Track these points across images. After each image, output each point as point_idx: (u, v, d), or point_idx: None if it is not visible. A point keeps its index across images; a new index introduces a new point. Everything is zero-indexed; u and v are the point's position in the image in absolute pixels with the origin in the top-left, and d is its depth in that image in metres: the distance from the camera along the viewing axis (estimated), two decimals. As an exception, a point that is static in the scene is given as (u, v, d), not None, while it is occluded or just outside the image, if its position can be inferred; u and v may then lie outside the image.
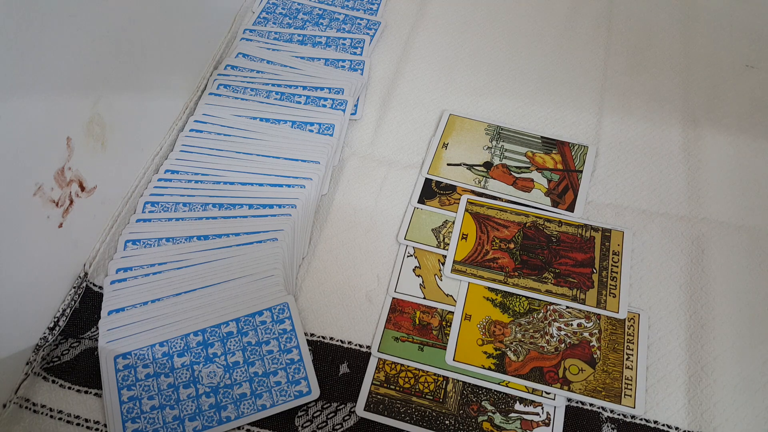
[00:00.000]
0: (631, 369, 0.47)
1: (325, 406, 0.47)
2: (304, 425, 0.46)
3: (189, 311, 0.49)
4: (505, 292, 0.51)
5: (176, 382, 0.47)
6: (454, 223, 0.55)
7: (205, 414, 0.45)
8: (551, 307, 0.50)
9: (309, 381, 0.47)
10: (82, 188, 0.50)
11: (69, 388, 0.47)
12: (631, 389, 0.47)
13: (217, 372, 0.47)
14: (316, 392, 0.46)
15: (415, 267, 0.53)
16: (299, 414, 0.46)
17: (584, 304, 0.50)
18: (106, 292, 0.51)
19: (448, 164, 0.59)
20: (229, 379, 0.47)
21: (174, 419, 0.45)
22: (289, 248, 0.53)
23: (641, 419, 0.46)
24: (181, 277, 0.51)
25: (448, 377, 0.48)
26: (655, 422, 0.46)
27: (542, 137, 0.61)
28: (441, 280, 0.52)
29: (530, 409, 0.46)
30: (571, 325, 0.50)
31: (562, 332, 0.49)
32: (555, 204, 0.56)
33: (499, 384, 0.47)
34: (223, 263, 0.52)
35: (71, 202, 0.49)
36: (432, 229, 0.55)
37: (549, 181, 0.58)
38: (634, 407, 0.46)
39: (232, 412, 0.45)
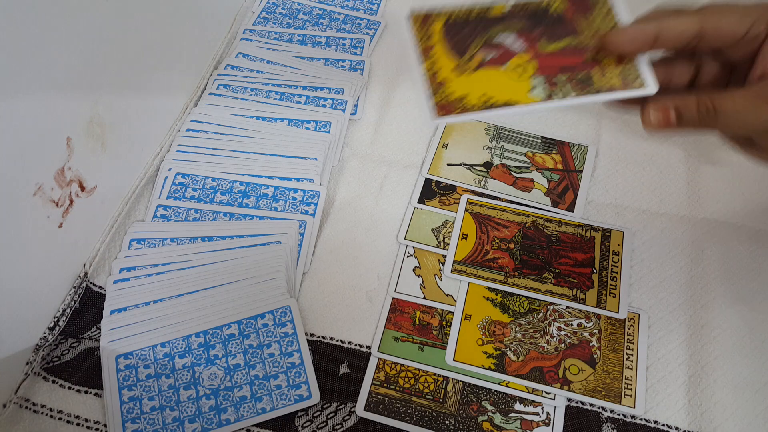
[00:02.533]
0: (631, 369, 0.47)
1: (325, 406, 0.47)
2: (304, 425, 0.46)
3: (191, 312, 0.49)
4: (505, 292, 0.51)
5: (177, 383, 0.47)
6: (454, 223, 0.55)
7: (205, 416, 0.45)
8: (551, 307, 0.51)
9: (309, 385, 0.47)
10: (82, 188, 0.50)
11: (69, 388, 0.47)
12: (631, 389, 0.47)
13: (218, 374, 0.47)
14: (316, 397, 0.46)
15: (415, 267, 0.53)
16: (299, 414, 0.46)
17: (584, 304, 0.50)
18: (108, 291, 0.51)
19: (448, 164, 0.59)
20: (230, 382, 0.47)
21: (174, 420, 0.45)
22: (292, 252, 0.53)
23: (641, 419, 0.46)
24: (184, 278, 0.51)
25: (448, 377, 0.48)
26: (655, 422, 0.46)
27: (542, 137, 0.61)
28: (441, 280, 0.52)
29: (530, 409, 0.46)
30: (571, 325, 0.50)
31: (562, 332, 0.49)
32: (555, 204, 0.56)
33: (499, 384, 0.47)
34: (226, 265, 0.52)
35: (71, 202, 0.49)
36: (432, 229, 0.55)
37: (549, 181, 0.58)
38: (634, 407, 0.46)
39: (231, 414, 0.45)
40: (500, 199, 0.57)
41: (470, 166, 0.59)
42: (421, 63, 0.40)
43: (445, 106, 0.38)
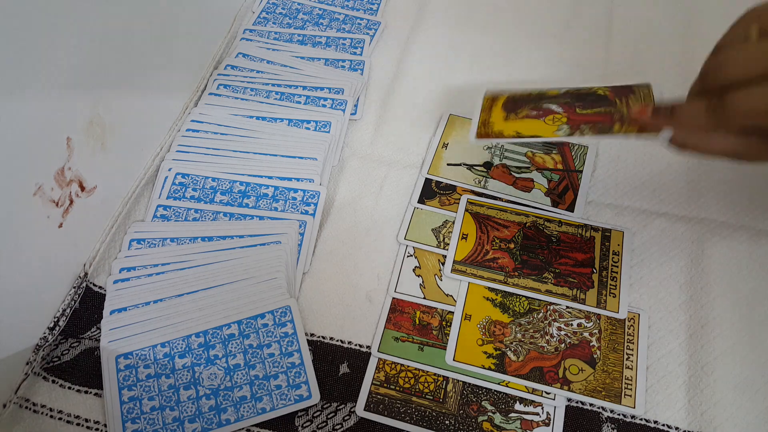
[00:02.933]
0: (631, 369, 0.47)
1: (325, 406, 0.47)
2: (304, 425, 0.46)
3: (191, 312, 0.49)
4: (505, 292, 0.51)
5: (177, 383, 0.47)
6: (454, 223, 0.55)
7: (205, 416, 0.45)
8: (551, 307, 0.51)
9: (309, 385, 0.47)
10: (82, 188, 0.50)
11: (69, 388, 0.47)
12: (631, 389, 0.47)
13: (218, 374, 0.47)
14: (316, 397, 0.46)
15: (415, 267, 0.53)
16: (299, 414, 0.46)
17: (584, 304, 0.50)
18: (108, 291, 0.51)
19: (448, 164, 0.59)
20: (230, 382, 0.47)
21: (174, 420, 0.45)
22: (292, 252, 0.53)
23: (641, 419, 0.46)
24: (184, 278, 0.51)
25: (448, 377, 0.48)
26: (655, 422, 0.46)
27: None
28: (441, 280, 0.52)
29: (530, 409, 0.46)
30: (571, 325, 0.50)
31: (562, 332, 0.49)
32: (555, 204, 0.56)
33: (499, 384, 0.47)
34: (226, 265, 0.52)
35: (71, 202, 0.49)
36: (432, 229, 0.55)
37: (549, 181, 0.58)
38: (634, 407, 0.46)
39: (231, 414, 0.45)
40: (500, 199, 0.57)
41: (470, 166, 0.59)
42: (479, 114, 0.51)
43: (484, 134, 0.49)
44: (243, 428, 0.45)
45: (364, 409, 0.46)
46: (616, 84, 0.50)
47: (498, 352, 0.48)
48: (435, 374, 0.48)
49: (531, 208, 0.56)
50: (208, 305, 0.50)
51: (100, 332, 0.49)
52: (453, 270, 0.52)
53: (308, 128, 0.61)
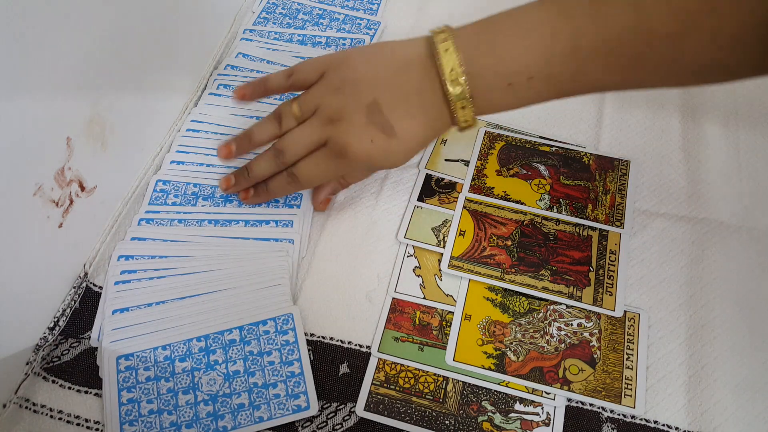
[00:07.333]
0: (631, 369, 0.47)
1: (324, 406, 0.47)
2: (304, 425, 0.46)
3: (193, 315, 0.49)
4: (504, 292, 0.51)
5: (176, 387, 0.46)
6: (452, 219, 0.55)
7: (202, 422, 0.45)
8: (551, 307, 0.50)
9: (308, 396, 0.46)
10: (82, 188, 0.50)
11: (69, 388, 0.47)
12: (631, 389, 0.47)
13: (217, 380, 0.47)
14: (314, 408, 0.46)
15: (415, 267, 0.53)
16: (299, 414, 0.46)
17: (580, 302, 0.50)
18: (109, 291, 0.50)
19: (446, 160, 0.59)
20: (229, 388, 0.46)
21: (171, 425, 0.45)
22: (295, 254, 0.53)
23: (641, 419, 0.46)
24: (187, 281, 0.51)
25: (448, 377, 0.48)
26: (655, 422, 0.46)
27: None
28: (441, 280, 0.52)
29: (530, 409, 0.46)
30: (571, 325, 0.50)
31: (562, 332, 0.49)
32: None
33: (499, 384, 0.47)
34: (229, 269, 0.51)
35: (71, 202, 0.49)
36: (432, 228, 0.55)
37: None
38: (634, 407, 0.46)
39: (229, 421, 0.45)
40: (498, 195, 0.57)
41: (467, 162, 0.59)
42: (476, 160, 0.58)
43: (477, 188, 0.56)
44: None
45: (364, 410, 0.46)
46: (601, 153, 0.59)
47: (498, 352, 0.48)
48: (435, 374, 0.48)
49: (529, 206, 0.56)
50: (210, 309, 0.49)
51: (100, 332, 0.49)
52: (450, 266, 0.52)
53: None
